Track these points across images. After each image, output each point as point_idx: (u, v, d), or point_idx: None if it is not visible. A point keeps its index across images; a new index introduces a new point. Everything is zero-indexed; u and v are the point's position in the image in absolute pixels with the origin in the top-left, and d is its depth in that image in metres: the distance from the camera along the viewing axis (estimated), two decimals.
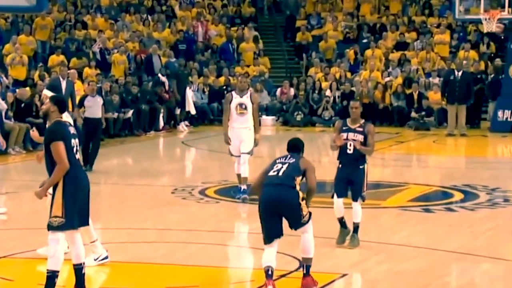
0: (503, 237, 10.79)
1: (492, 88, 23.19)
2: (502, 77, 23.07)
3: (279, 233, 8.02)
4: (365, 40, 27.30)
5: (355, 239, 9.70)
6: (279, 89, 25.66)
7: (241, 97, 12.68)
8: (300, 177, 8.13)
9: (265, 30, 29.65)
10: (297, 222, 8.08)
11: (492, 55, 25.53)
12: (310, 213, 8.14)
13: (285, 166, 8.14)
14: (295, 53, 28.67)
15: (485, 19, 22.07)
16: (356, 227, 9.75)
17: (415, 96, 23.83)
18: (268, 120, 24.42)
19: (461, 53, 25.14)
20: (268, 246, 8.04)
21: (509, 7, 22.09)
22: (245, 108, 12.63)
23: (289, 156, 8.30)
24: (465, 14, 23.78)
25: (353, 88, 24.60)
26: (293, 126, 24.19)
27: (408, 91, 24.10)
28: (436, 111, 23.47)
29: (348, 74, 25.72)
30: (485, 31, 23.34)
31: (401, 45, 26.71)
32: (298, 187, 8.07)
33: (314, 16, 29.22)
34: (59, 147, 7.45)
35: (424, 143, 21.44)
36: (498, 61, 24.36)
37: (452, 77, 22.37)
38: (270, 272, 7.95)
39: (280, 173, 8.10)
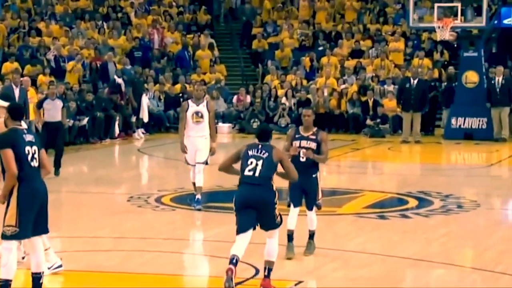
0: (456, 243, 10.91)
1: (446, 95, 23.44)
2: (456, 85, 23.31)
3: (253, 224, 8.23)
4: (320, 48, 27.43)
5: (311, 245, 9.74)
6: (235, 97, 25.68)
7: (197, 105, 12.64)
8: (275, 171, 8.34)
9: (221, 38, 29.66)
10: (269, 223, 8.27)
11: (446, 63, 25.79)
12: (281, 217, 8.32)
13: (260, 164, 8.25)
14: (251, 61, 28.70)
15: (439, 27, 22.33)
16: (312, 234, 9.79)
17: (370, 104, 24.00)
18: (224, 127, 24.41)
19: (415, 61, 25.37)
20: (240, 237, 8.21)
21: (461, 15, 22.38)
22: (201, 117, 12.60)
23: (260, 147, 8.37)
24: (419, 22, 24.05)
25: (309, 96, 24.71)
26: (249, 133, 24.16)
27: (363, 99, 24.26)
28: (391, 118, 23.65)
29: (304, 82, 25.83)
30: (438, 39, 23.57)
31: (356, 53, 26.87)
32: (274, 187, 8.28)
33: (270, 24, 29.30)
34: (7, 154, 7.42)
35: (379, 150, 21.60)
36: (451, 69, 24.63)
37: (407, 85, 22.55)
38: (234, 261, 8.07)
39: (257, 174, 8.23)
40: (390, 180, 17.16)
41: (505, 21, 26.37)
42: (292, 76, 25.92)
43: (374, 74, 25.46)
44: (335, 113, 24.45)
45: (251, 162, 8.29)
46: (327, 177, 15.87)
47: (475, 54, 22.78)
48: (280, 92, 25.10)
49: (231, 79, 27.63)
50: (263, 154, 8.33)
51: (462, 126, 22.67)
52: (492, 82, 22.29)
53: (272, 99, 24.87)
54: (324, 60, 26.34)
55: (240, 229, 8.23)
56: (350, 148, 21.47)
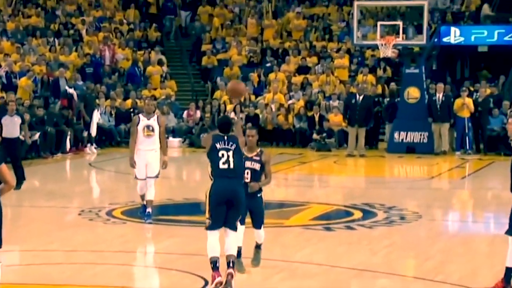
0: (399, 253, 11.01)
1: (389, 111, 23.66)
2: (398, 101, 23.56)
3: (225, 221, 8.43)
4: (268, 64, 27.55)
5: (258, 256, 9.68)
6: (185, 112, 25.64)
7: (148, 119, 12.60)
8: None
9: (172, 54, 29.63)
10: (235, 219, 8.51)
11: (389, 79, 26.06)
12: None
13: (231, 154, 8.47)
14: (201, 76, 28.72)
15: (381, 45, 22.56)
16: (259, 246, 9.74)
17: (317, 118, 24.15)
18: (175, 142, 24.36)
19: (359, 77, 25.60)
20: (212, 233, 8.41)
21: (403, 33, 22.67)
22: (152, 130, 12.57)
23: (226, 139, 8.54)
24: (363, 40, 24.29)
25: (257, 111, 24.77)
26: (199, 147, 24.13)
27: (309, 114, 24.41)
28: (336, 133, 23.81)
29: (252, 97, 25.90)
30: (381, 56, 23.72)
31: (303, 69, 27.03)
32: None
33: (219, 41, 29.34)
34: None
35: (326, 164, 21.72)
36: (393, 85, 24.89)
37: (353, 101, 22.74)
38: (218, 265, 8.23)
39: (231, 165, 8.42)
40: (336, 192, 17.27)
41: (444, 39, 26.83)
42: None
43: (320, 90, 25.64)
44: (283, 127, 24.57)
45: (222, 155, 8.47)
46: (275, 189, 15.92)
47: (416, 70, 23.05)
48: (229, 107, 25.12)
49: (181, 95, 27.60)
50: (231, 146, 8.52)
51: (404, 140, 22.89)
52: (433, 98, 22.52)
53: (221, 114, 24.88)
54: (271, 76, 26.46)
55: (213, 226, 8.44)
56: (297, 162, 21.56)
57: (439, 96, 22.39)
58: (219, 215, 8.44)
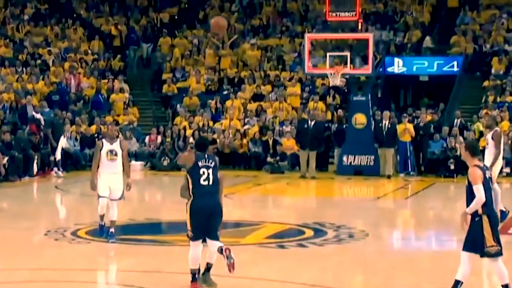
0: (348, 269, 11.01)
1: (337, 136, 23.72)
2: (346, 126, 23.66)
3: (206, 234, 8.68)
4: (225, 92, 27.57)
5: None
6: (147, 137, 25.51)
7: (111, 144, 12.46)
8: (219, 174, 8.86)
9: (134, 82, 29.50)
10: (215, 231, 8.73)
11: (338, 106, 26.21)
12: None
13: (210, 172, 8.71)
14: (161, 103, 28.62)
15: (331, 74, 22.66)
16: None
17: (270, 143, 24.18)
18: (137, 165, 24.18)
19: (310, 104, 25.71)
20: (195, 244, 8.62)
21: (351, 63, 22.84)
22: (115, 155, 12.43)
23: (207, 157, 8.78)
24: (313, 69, 24.43)
25: (215, 136, 24.73)
26: (160, 170, 24.05)
27: (264, 138, 24.43)
28: (289, 156, 23.85)
29: (211, 123, 25.87)
30: (331, 84, 23.80)
31: (257, 97, 27.08)
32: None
33: (179, 70, 29.30)
34: None
35: (279, 185, 21.71)
36: (340, 112, 25.00)
37: (305, 126, 22.83)
38: (197, 276, 8.36)
39: (211, 182, 8.67)
40: (289, 212, 17.25)
41: (389, 69, 27.23)
42: (200, 118, 25.94)
43: (274, 116, 25.69)
44: (239, 151, 24.55)
45: (203, 172, 8.65)
46: (232, 210, 15.85)
47: (363, 98, 23.19)
48: (189, 132, 25.06)
49: (143, 121, 27.47)
50: (211, 163, 8.73)
51: (352, 163, 22.98)
52: (380, 124, 22.59)
53: (181, 139, 24.81)
54: (228, 103, 26.46)
55: (196, 238, 8.67)
56: (252, 184, 21.53)
57: (385, 122, 22.49)
58: (200, 228, 8.69)
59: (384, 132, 22.41)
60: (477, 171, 8.42)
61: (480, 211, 8.36)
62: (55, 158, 22.66)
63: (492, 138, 14.31)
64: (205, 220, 8.67)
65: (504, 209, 14.10)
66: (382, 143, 22.40)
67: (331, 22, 23.74)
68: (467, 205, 8.43)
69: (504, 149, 21.56)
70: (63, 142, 22.90)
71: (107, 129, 14.36)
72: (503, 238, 8.69)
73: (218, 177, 8.80)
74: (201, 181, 8.62)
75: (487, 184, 8.41)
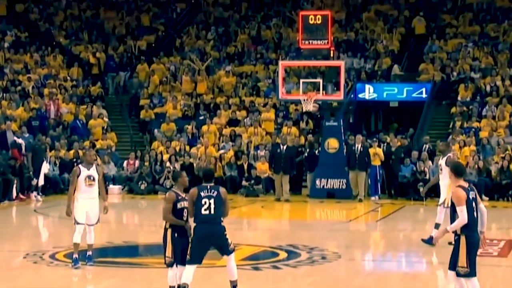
0: None
1: (309, 160, 23.73)
2: (319, 150, 23.69)
3: (201, 261, 9.14)
4: (201, 117, 27.58)
5: None
6: (125, 161, 25.40)
7: (88, 169, 12.33)
8: (223, 206, 9.27)
9: (112, 108, 29.44)
10: (226, 249, 9.30)
11: (311, 131, 26.29)
12: (232, 244, 9.40)
13: (212, 202, 9.08)
14: (139, 129, 28.57)
15: (304, 100, 22.75)
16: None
17: (245, 167, 24.20)
18: (115, 189, 24.10)
19: (284, 129, 25.79)
20: (190, 266, 8.96)
21: (323, 90, 22.97)
22: (93, 180, 12.34)
23: (209, 188, 9.17)
24: (287, 95, 24.52)
25: (191, 160, 24.71)
26: (137, 194, 23.96)
27: (239, 162, 24.45)
28: (263, 180, 23.88)
29: (187, 147, 25.85)
30: (304, 110, 23.92)
31: (233, 122, 27.13)
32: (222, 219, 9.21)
33: (156, 96, 29.30)
34: None
35: (254, 208, 21.70)
36: (310, 137, 25.01)
37: (278, 150, 22.89)
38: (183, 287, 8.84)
39: (212, 211, 9.05)
40: (263, 235, 17.25)
41: (360, 95, 27.41)
42: (176, 143, 25.92)
43: (248, 141, 25.73)
44: (215, 175, 24.46)
45: (205, 202, 9.03)
46: None
47: (335, 123, 23.29)
48: (166, 156, 25.02)
49: (121, 145, 27.39)
50: (213, 193, 9.10)
51: (325, 187, 23.02)
52: (353, 148, 22.56)
53: (158, 163, 24.76)
54: (204, 128, 26.47)
55: (193, 261, 9.05)
56: None
57: (358, 146, 22.49)
58: (199, 254, 9.12)
59: (357, 156, 22.42)
60: (461, 192, 8.36)
61: (459, 231, 8.35)
62: (37, 183, 22.46)
63: (446, 164, 14.42)
64: (205, 248, 9.16)
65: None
66: (354, 167, 22.42)
67: (304, 50, 23.86)
68: (451, 223, 8.44)
69: (471, 173, 21.90)
70: (45, 168, 22.74)
71: (84, 154, 14.13)
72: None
73: (222, 194, 9.18)
74: (202, 211, 9.02)
75: (470, 205, 8.36)
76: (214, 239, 9.11)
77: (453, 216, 8.39)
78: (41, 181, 22.56)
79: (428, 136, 24.84)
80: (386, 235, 17.32)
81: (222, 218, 9.19)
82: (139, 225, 19.09)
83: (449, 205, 14.01)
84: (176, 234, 9.39)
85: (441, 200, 14.44)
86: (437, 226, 14.33)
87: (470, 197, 8.39)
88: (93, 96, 29.40)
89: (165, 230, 9.43)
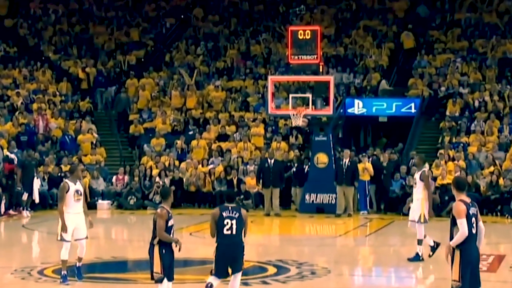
0: None
1: (298, 176, 23.58)
2: (309, 165, 23.68)
3: (225, 275, 9.66)
4: (191, 132, 27.59)
5: None
6: (114, 176, 25.36)
7: (75, 184, 12.26)
8: (244, 226, 9.64)
9: (101, 123, 29.41)
10: (239, 267, 9.72)
11: (300, 146, 26.35)
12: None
13: (234, 223, 9.45)
14: (128, 144, 28.55)
15: (293, 115, 22.81)
16: None
17: (235, 182, 24.20)
18: (104, 204, 24.06)
19: (274, 144, 25.82)
20: (214, 278, 9.62)
21: (312, 105, 23.02)
22: (80, 194, 12.31)
23: (231, 208, 9.54)
24: (276, 110, 24.58)
25: (181, 175, 24.70)
26: (126, 209, 23.92)
27: (228, 177, 24.45)
28: (253, 195, 23.88)
29: (176, 162, 25.84)
30: (293, 125, 24.00)
31: (222, 137, 27.15)
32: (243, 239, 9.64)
33: (146, 111, 29.30)
34: None
35: None
36: (296, 152, 25.05)
37: (266, 165, 22.92)
38: (209, 286, 9.44)
39: (234, 231, 9.45)
40: (252, 250, 17.15)
41: (349, 110, 27.46)
42: (166, 157, 25.90)
43: (238, 156, 25.75)
44: (204, 190, 24.52)
45: (227, 223, 9.39)
46: (197, 248, 15.82)
47: (325, 138, 23.35)
48: (155, 172, 25.00)
49: (111, 160, 27.35)
50: (235, 214, 9.48)
51: (314, 202, 23.05)
52: (340, 163, 22.57)
53: (148, 178, 24.73)
54: (194, 143, 26.48)
55: (217, 275, 9.64)
56: None
57: (346, 161, 22.47)
58: (222, 270, 9.65)
59: (344, 170, 22.34)
60: (462, 206, 8.40)
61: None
62: (27, 199, 22.28)
63: (421, 179, 14.47)
64: (227, 264, 9.62)
65: (420, 254, 14.28)
66: (342, 181, 22.38)
67: (293, 65, 23.95)
68: (451, 238, 8.46)
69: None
70: (37, 184, 22.57)
71: (71, 168, 13.78)
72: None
73: (243, 216, 9.53)
74: (225, 231, 9.41)
75: (469, 220, 8.38)
76: (234, 257, 9.57)
77: (452, 229, 8.41)
78: (36, 198, 22.39)
79: (415, 151, 24.88)
80: (376, 250, 17.34)
81: (243, 238, 9.61)
82: (128, 240, 19.05)
83: (426, 220, 14.30)
84: (164, 250, 9.44)
85: (416, 217, 14.46)
86: (420, 242, 14.41)
87: (470, 212, 8.42)
88: (82, 111, 29.36)
89: (152, 245, 9.45)
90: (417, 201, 14.41)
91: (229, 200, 9.71)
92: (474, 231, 8.46)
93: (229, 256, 9.55)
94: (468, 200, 8.55)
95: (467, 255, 8.39)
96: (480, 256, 8.65)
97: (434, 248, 14.30)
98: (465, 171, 23.06)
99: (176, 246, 9.54)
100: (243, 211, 9.71)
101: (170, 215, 9.54)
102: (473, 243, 8.47)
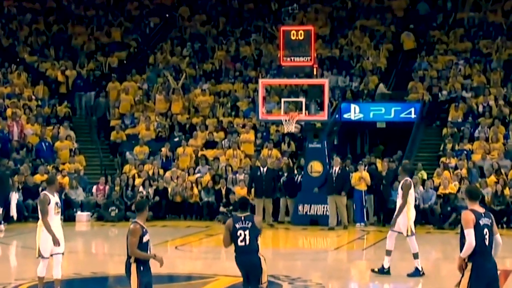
0: None
1: (288, 185, 23.47)
2: (302, 174, 23.69)
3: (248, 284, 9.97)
4: (176, 139, 27.61)
5: None
6: (95, 186, 25.33)
7: (54, 196, 12.15)
8: (259, 236, 9.85)
9: (81, 129, 29.40)
10: (255, 283, 9.81)
11: (293, 153, 26.37)
12: (267, 281, 9.92)
13: (247, 233, 9.71)
14: (110, 151, 28.54)
15: (285, 121, 22.84)
16: None
17: (223, 191, 24.21)
18: (83, 216, 24.02)
19: (265, 151, 25.86)
20: None
21: (306, 110, 23.03)
22: (60, 207, 12.26)
23: (243, 218, 9.76)
24: (267, 115, 24.61)
25: (166, 185, 24.69)
26: (107, 221, 23.87)
27: (216, 187, 24.46)
28: None
29: (161, 171, 25.84)
30: (285, 131, 23.98)
31: (210, 144, 27.18)
32: (260, 248, 9.83)
33: (128, 116, 29.31)
34: None
35: None
36: (285, 160, 25.03)
37: (258, 173, 22.93)
38: None
39: (247, 242, 9.71)
40: None
41: (345, 115, 27.54)
42: (150, 166, 25.91)
43: (226, 164, 25.76)
44: (190, 201, 24.53)
45: (240, 234, 9.69)
46: (183, 262, 15.83)
47: (319, 145, 23.38)
48: (138, 181, 25.00)
49: (90, 169, 27.33)
50: (248, 224, 9.72)
51: (308, 213, 23.07)
52: (330, 171, 22.48)
53: (130, 188, 24.72)
54: (179, 150, 26.51)
55: (244, 286, 10.02)
56: (204, 234, 21.50)
57: (336, 169, 22.37)
58: (245, 281, 9.96)
59: (334, 179, 22.23)
60: (469, 215, 8.44)
61: (466, 258, 8.40)
62: (2, 212, 22.05)
63: (401, 188, 14.57)
64: (247, 272, 9.89)
65: (420, 268, 14.37)
66: (331, 191, 22.23)
67: (285, 67, 24.00)
68: (460, 249, 8.49)
69: (463, 199, 21.99)
70: (15, 198, 22.39)
71: (50, 179, 13.61)
72: None
73: (256, 224, 9.76)
74: (239, 242, 9.72)
75: (479, 231, 8.39)
76: (250, 269, 9.80)
77: (462, 240, 8.44)
78: (13, 215, 22.19)
79: (414, 159, 24.92)
80: (373, 264, 17.36)
81: (258, 248, 9.81)
82: (109, 254, 19.02)
83: (413, 232, 14.44)
84: (141, 268, 9.38)
85: (403, 230, 14.57)
86: (415, 256, 14.53)
87: (481, 222, 8.43)
88: (60, 116, 29.34)
89: (129, 263, 9.39)
90: (403, 214, 14.51)
91: (243, 208, 9.95)
92: (486, 243, 8.45)
93: (246, 265, 9.85)
94: (480, 210, 8.57)
95: (479, 270, 8.38)
96: (497, 272, 8.60)
97: (383, 270, 14.47)
98: (468, 180, 23.12)
99: (158, 262, 9.44)
100: (256, 218, 9.97)
101: (144, 230, 9.43)
102: (487, 256, 8.47)
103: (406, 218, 14.42)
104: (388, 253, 14.61)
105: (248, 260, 9.80)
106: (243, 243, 9.74)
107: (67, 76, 30.84)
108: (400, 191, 14.58)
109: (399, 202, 14.61)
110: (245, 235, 9.73)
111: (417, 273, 14.38)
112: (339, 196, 22.19)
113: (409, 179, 14.70)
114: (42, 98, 30.26)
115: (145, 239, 9.44)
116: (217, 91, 30.25)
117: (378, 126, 27.89)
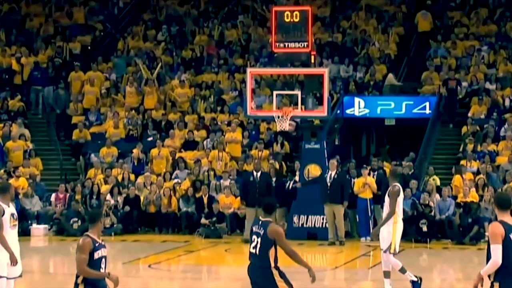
0: None
1: (278, 193, 23.04)
2: (294, 180, 23.65)
3: None
4: (150, 138, 27.64)
5: None
6: (53, 194, 25.32)
7: (8, 206, 11.94)
8: (273, 248, 9.68)
9: (37, 127, 29.40)
10: None
11: (287, 155, 26.39)
12: None
13: (259, 241, 9.66)
14: (71, 153, 28.54)
15: (278, 117, 22.78)
16: None
17: (205, 200, 24.26)
18: (39, 229, 23.97)
19: (254, 152, 25.92)
20: None
21: (302, 104, 23.02)
22: (16, 219, 12.05)
23: (260, 223, 9.73)
24: (257, 111, 24.61)
25: (137, 192, 24.71)
26: (69, 235, 23.85)
27: (197, 195, 24.51)
28: (228, 216, 23.91)
29: (132, 176, 25.86)
30: (278, 129, 23.84)
31: (190, 144, 27.21)
32: (273, 263, 9.70)
33: (93, 112, 29.31)
34: None
35: (216, 252, 21.72)
36: (272, 162, 25.10)
37: (251, 179, 22.95)
38: None
39: (257, 251, 9.66)
40: (228, 285, 17.30)
41: (348, 111, 27.59)
42: (118, 170, 25.94)
43: (209, 168, 25.81)
44: (166, 211, 24.56)
45: (253, 239, 9.73)
46: (159, 283, 15.86)
47: (317, 146, 23.39)
48: (104, 188, 25.01)
49: (48, 174, 27.35)
50: (261, 230, 9.69)
51: (305, 225, 23.09)
52: (325, 176, 22.41)
53: (95, 196, 24.73)
54: (154, 151, 26.54)
55: None
56: (183, 251, 21.54)
57: (332, 173, 22.25)
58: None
59: (329, 185, 22.14)
60: (498, 228, 8.42)
61: (492, 277, 8.40)
62: None
63: (388, 195, 14.68)
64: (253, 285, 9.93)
65: (415, 279, 14.49)
66: (326, 199, 22.19)
67: (278, 54, 24.08)
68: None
69: (486, 209, 22.09)
70: None
71: (2, 187, 13.33)
72: None
73: (269, 233, 9.62)
74: (251, 248, 9.76)
75: (509, 246, 8.36)
76: (255, 281, 9.78)
77: (488, 256, 8.45)
78: None
79: (429, 162, 25.06)
80: (380, 285, 17.45)
81: (270, 259, 9.70)
82: (69, 274, 18.98)
83: (396, 251, 14.57)
84: None
85: (384, 245, 14.70)
86: (386, 274, 14.72)
87: (511, 236, 8.40)
88: (12, 111, 29.34)
89: (76, 285, 9.31)
90: (387, 226, 14.61)
91: (267, 211, 9.92)
92: None
93: (252, 280, 9.82)
94: (511, 221, 8.53)
95: None
96: None
97: (418, 284, 14.57)
98: (493, 187, 23.20)
99: (112, 282, 9.26)
100: (271, 227, 9.74)
101: (97, 245, 9.34)
102: None
103: (390, 231, 14.50)
104: (387, 274, 14.69)
105: (252, 270, 9.79)
106: (253, 250, 9.74)
107: (22, 64, 30.79)
108: (387, 198, 14.67)
109: (385, 211, 14.73)
110: (257, 242, 9.72)
111: (416, 285, 14.49)
112: (337, 205, 22.15)
113: (398, 185, 14.79)
114: None
115: (97, 255, 9.31)
116: (198, 83, 30.32)
117: (387, 124, 27.99)
